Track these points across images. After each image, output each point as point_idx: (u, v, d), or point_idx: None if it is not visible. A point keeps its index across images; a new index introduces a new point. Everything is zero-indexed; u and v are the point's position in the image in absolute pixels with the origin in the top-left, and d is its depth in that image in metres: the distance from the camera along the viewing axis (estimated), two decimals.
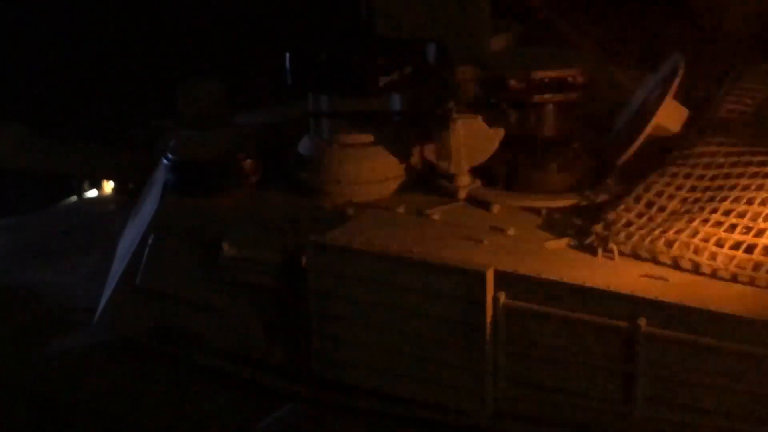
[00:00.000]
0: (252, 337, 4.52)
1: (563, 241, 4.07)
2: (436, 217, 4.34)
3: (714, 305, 3.59)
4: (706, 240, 3.81)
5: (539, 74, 4.47)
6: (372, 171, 4.59)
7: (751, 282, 3.68)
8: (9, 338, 5.26)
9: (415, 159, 4.67)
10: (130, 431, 4.68)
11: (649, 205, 4.10)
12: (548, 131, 4.57)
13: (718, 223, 3.86)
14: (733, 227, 3.83)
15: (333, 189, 4.58)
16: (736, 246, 3.77)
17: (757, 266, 3.69)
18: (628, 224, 4.01)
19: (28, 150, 6.18)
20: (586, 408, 3.85)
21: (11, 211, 7.24)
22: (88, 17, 10.03)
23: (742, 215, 3.86)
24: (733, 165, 4.13)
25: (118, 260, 5.13)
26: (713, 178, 4.11)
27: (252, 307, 4.51)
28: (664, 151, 4.35)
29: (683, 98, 4.42)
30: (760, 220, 3.83)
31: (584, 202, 4.34)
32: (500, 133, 4.52)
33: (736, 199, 3.94)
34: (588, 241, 4.01)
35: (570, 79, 4.48)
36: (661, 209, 4.06)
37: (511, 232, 4.14)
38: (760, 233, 3.78)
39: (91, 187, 7.15)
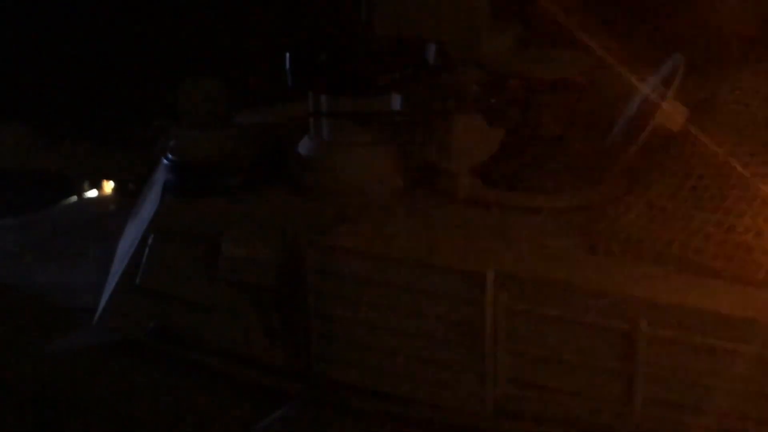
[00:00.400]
0: (252, 337, 4.52)
1: (563, 241, 4.07)
2: (436, 217, 4.33)
3: (714, 305, 3.59)
4: (706, 240, 3.81)
5: (539, 74, 4.47)
6: (372, 171, 4.59)
7: (751, 282, 3.68)
8: (9, 338, 5.26)
9: (415, 159, 4.67)
10: (130, 431, 4.68)
11: (649, 205, 4.09)
12: (548, 131, 4.56)
13: (718, 223, 3.86)
14: (733, 227, 3.83)
15: (333, 189, 4.58)
16: (736, 246, 3.77)
17: (757, 266, 3.69)
18: (629, 224, 4.01)
19: (28, 150, 6.18)
20: (586, 408, 3.85)
21: (11, 211, 7.23)
22: (88, 17, 10.02)
23: (742, 215, 3.86)
24: (734, 165, 4.13)
25: (118, 260, 5.13)
26: (713, 178, 4.11)
27: (252, 307, 4.51)
28: (664, 151, 4.35)
29: (683, 98, 4.42)
30: (760, 220, 3.83)
31: (584, 202, 4.34)
32: (500, 133, 4.52)
33: (737, 199, 3.94)
34: (588, 241, 4.01)
35: (570, 79, 4.48)
36: (661, 209, 4.06)
37: (511, 232, 4.14)
38: (760, 233, 3.78)
39: (91, 187, 7.15)
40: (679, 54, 4.51)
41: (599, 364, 3.79)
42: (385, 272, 4.04)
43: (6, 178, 7.11)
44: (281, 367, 4.48)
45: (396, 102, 4.69)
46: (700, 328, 3.59)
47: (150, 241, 4.80)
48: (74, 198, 7.19)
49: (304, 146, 4.78)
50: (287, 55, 4.60)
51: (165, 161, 4.92)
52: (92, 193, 7.18)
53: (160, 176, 5.02)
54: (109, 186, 7.06)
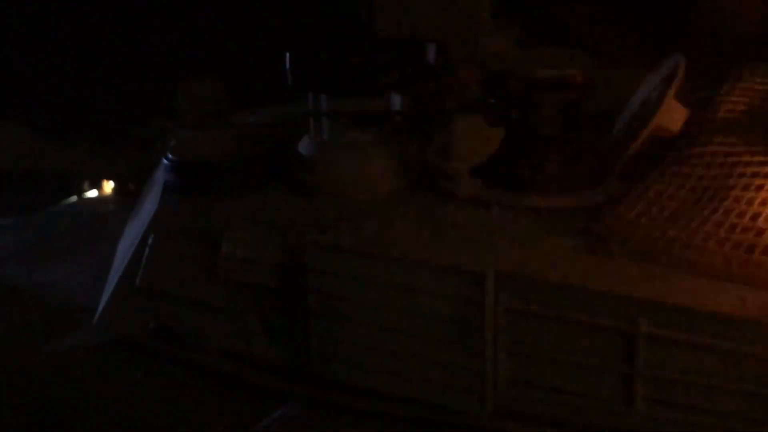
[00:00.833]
0: (252, 337, 4.52)
1: (563, 241, 4.07)
2: (436, 216, 4.33)
3: (714, 305, 3.59)
4: (706, 240, 3.81)
5: (539, 74, 4.47)
6: (372, 171, 4.59)
7: (751, 282, 3.68)
8: (9, 338, 5.26)
9: (415, 159, 4.67)
10: (129, 431, 4.68)
11: (649, 205, 4.09)
12: (548, 131, 4.56)
13: (718, 223, 3.86)
14: (733, 227, 3.83)
15: (333, 189, 4.58)
16: (736, 246, 3.77)
17: (757, 266, 3.69)
18: (629, 224, 4.01)
19: (28, 150, 6.18)
20: (586, 408, 3.85)
21: (11, 211, 7.23)
22: (88, 17, 10.02)
23: (742, 215, 3.86)
24: (733, 165, 4.13)
25: (118, 260, 5.13)
26: (713, 178, 4.11)
27: (252, 307, 4.51)
28: (664, 151, 4.35)
29: (683, 98, 4.42)
30: (760, 220, 3.83)
31: (584, 202, 4.34)
32: (500, 133, 4.52)
33: (736, 199, 3.94)
34: (588, 241, 4.01)
35: (570, 79, 4.48)
36: (661, 209, 4.06)
37: (511, 232, 4.14)
38: (760, 233, 3.78)
39: (91, 187, 7.15)
40: (679, 54, 4.51)
41: (599, 364, 3.79)
42: (386, 272, 4.04)
43: (6, 178, 7.11)
44: (281, 367, 4.48)
45: (396, 102, 4.69)
46: (700, 328, 3.59)
47: (150, 241, 4.80)
48: (74, 198, 7.20)
49: (304, 146, 4.78)
50: (287, 55, 4.60)
51: (165, 161, 4.92)
52: (92, 193, 7.18)
53: (160, 176, 5.02)
54: (109, 186, 7.06)
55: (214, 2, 9.73)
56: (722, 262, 3.75)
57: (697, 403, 3.66)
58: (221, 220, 4.62)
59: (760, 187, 3.96)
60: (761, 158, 4.11)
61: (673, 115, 4.39)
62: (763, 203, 3.89)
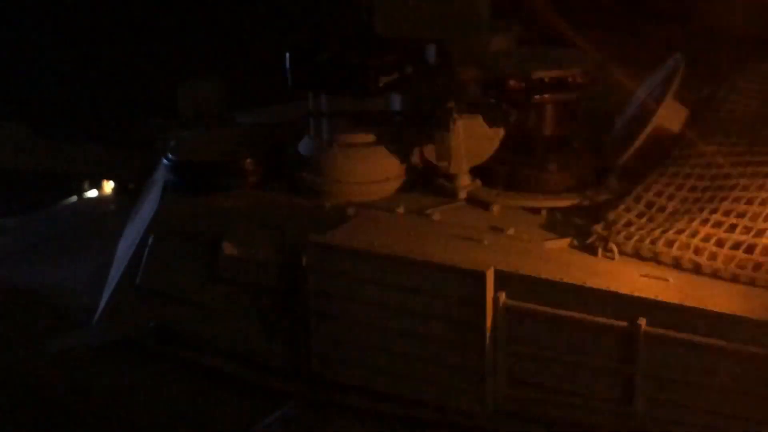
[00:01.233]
0: (252, 337, 4.52)
1: (563, 241, 4.07)
2: (436, 217, 4.33)
3: (714, 305, 3.59)
4: (706, 240, 3.81)
5: (539, 74, 4.47)
6: (372, 171, 4.59)
7: (751, 282, 3.68)
8: (9, 338, 5.26)
9: (415, 159, 4.67)
10: (130, 431, 4.68)
11: (649, 205, 4.10)
12: (548, 131, 4.56)
13: (718, 223, 3.86)
14: (733, 227, 3.83)
15: (333, 189, 4.58)
16: (736, 246, 3.77)
17: (757, 266, 3.69)
18: (629, 224, 4.01)
19: (28, 150, 6.18)
20: (586, 408, 3.85)
21: (11, 211, 7.24)
22: (88, 17, 10.03)
23: (742, 215, 3.86)
24: (733, 165, 4.13)
25: (118, 260, 5.14)
26: (713, 178, 4.11)
27: (252, 307, 4.51)
28: (664, 151, 4.35)
29: (683, 98, 4.42)
30: (760, 220, 3.83)
31: (584, 202, 4.34)
32: (500, 133, 4.52)
33: (736, 199, 3.94)
34: (588, 241, 4.01)
35: (570, 79, 4.48)
36: (661, 209, 4.06)
37: (511, 232, 4.14)
38: (760, 233, 3.78)
39: (91, 187, 7.16)
40: (679, 54, 4.51)
41: (599, 364, 3.79)
42: (385, 272, 4.03)
43: (6, 178, 7.11)
44: (281, 367, 4.47)
45: (396, 102, 4.69)
46: (700, 328, 3.59)
47: (150, 241, 4.80)
48: (74, 198, 7.20)
49: (304, 146, 4.78)
50: (287, 55, 4.60)
51: (165, 161, 4.92)
52: (92, 193, 7.18)
53: (160, 176, 5.02)
54: (109, 186, 7.06)
55: (214, 2, 9.74)
56: (722, 262, 3.75)
57: (697, 403, 3.66)
58: (221, 220, 4.62)
59: (760, 187, 3.96)
60: (761, 158, 4.12)
61: (673, 115, 4.39)
62: (763, 203, 3.89)
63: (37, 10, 10.19)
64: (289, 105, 5.23)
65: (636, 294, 3.69)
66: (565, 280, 3.79)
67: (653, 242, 3.87)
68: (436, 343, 4.02)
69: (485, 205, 4.41)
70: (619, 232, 3.96)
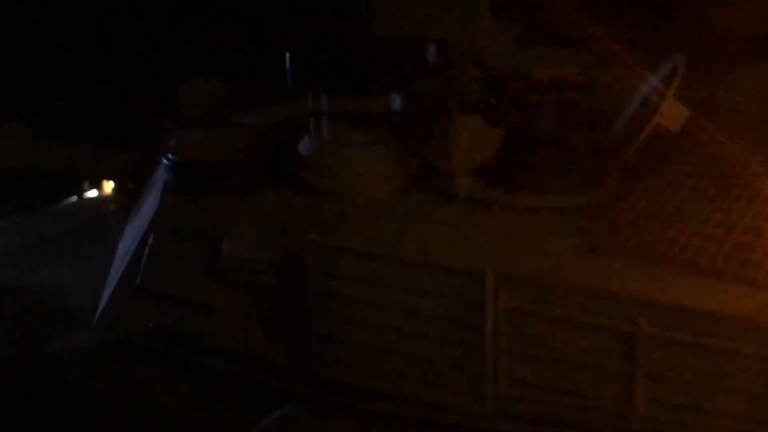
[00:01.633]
0: (252, 337, 4.52)
1: (563, 241, 4.07)
2: (436, 217, 4.33)
3: (714, 305, 3.59)
4: (706, 240, 3.81)
5: (539, 74, 4.47)
6: (372, 171, 4.59)
7: (751, 282, 3.68)
8: (9, 338, 5.26)
9: (415, 159, 4.67)
10: (130, 431, 4.68)
11: (649, 205, 4.09)
12: (548, 131, 4.56)
13: (718, 223, 3.86)
14: (733, 227, 3.83)
15: (333, 189, 4.58)
16: (736, 246, 3.77)
17: (757, 266, 3.69)
18: (629, 224, 4.01)
19: (28, 150, 6.18)
20: (586, 408, 3.85)
21: (11, 211, 7.24)
22: (88, 17, 10.03)
23: (742, 215, 3.86)
24: (734, 165, 4.13)
25: (118, 260, 5.14)
26: (713, 178, 4.11)
27: (252, 307, 4.51)
28: (664, 151, 4.35)
29: (683, 98, 4.42)
30: (760, 220, 3.83)
31: (584, 202, 4.34)
32: (500, 133, 4.52)
33: (737, 199, 3.94)
34: (588, 241, 4.01)
35: (570, 79, 4.48)
36: (661, 209, 4.06)
37: (511, 232, 4.14)
38: (760, 233, 3.77)
39: (91, 187, 7.15)
40: (679, 54, 4.51)
41: (599, 364, 3.79)
42: (385, 272, 4.04)
43: (6, 178, 7.11)
44: (281, 367, 4.48)
45: (396, 102, 4.69)
46: (700, 328, 3.59)
47: (150, 241, 4.80)
48: (74, 198, 7.20)
49: (304, 146, 4.78)
50: (287, 55, 4.60)
51: (165, 161, 4.92)
52: (92, 193, 7.18)
53: (160, 176, 5.02)
54: (109, 186, 7.06)
55: (215, 2, 9.74)
56: (722, 262, 3.75)
57: (697, 403, 3.66)
58: (221, 220, 4.62)
59: (760, 187, 3.96)
60: (762, 158, 4.12)
61: (673, 115, 4.39)
62: (763, 203, 3.89)
63: (37, 10, 10.19)
64: (289, 105, 5.22)
65: (636, 294, 3.69)
66: (566, 280, 3.79)
67: (653, 242, 3.87)
68: (436, 344, 4.02)
69: (485, 205, 4.40)
70: (619, 232, 3.96)
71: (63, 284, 5.74)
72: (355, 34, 4.98)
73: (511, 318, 3.87)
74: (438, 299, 3.96)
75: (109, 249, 5.40)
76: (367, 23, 4.91)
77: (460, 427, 4.11)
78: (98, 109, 9.38)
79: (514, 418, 4.00)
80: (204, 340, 4.67)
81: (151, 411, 4.65)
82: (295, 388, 4.46)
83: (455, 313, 3.94)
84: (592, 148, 4.62)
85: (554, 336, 3.83)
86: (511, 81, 4.49)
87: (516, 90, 4.49)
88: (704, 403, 3.65)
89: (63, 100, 9.62)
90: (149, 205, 5.07)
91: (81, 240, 6.34)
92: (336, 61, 4.57)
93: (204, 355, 4.70)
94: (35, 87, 9.79)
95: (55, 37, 10.02)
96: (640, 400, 3.75)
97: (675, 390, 3.69)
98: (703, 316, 3.59)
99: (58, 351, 5.07)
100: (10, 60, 9.94)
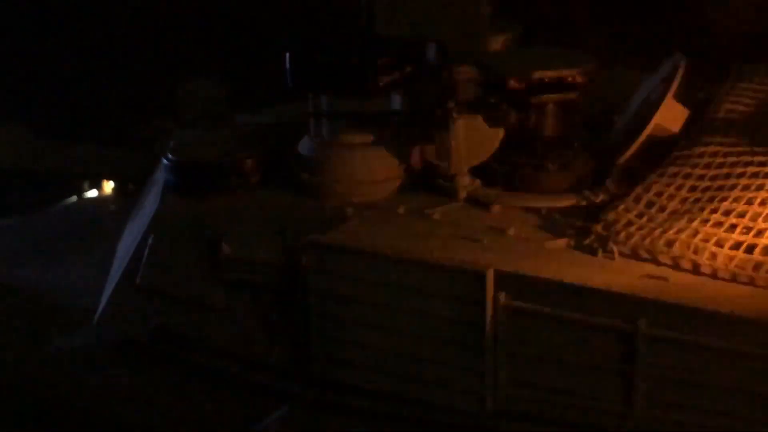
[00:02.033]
0: (252, 337, 4.52)
1: (563, 241, 4.07)
2: (436, 217, 4.33)
3: (714, 305, 3.59)
4: (706, 240, 3.81)
5: (539, 74, 4.47)
6: (372, 171, 4.59)
7: (751, 282, 3.68)
8: (9, 338, 5.26)
9: (415, 159, 4.67)
10: (129, 431, 4.68)
11: (649, 205, 4.10)
12: (548, 131, 4.56)
13: (718, 223, 3.86)
14: (733, 227, 3.83)
15: (333, 189, 4.58)
16: (736, 246, 3.77)
17: (757, 266, 3.69)
18: (629, 224, 4.01)
19: (28, 150, 6.18)
20: (586, 408, 3.85)
21: (11, 211, 7.24)
22: (88, 17, 10.02)
23: (742, 215, 3.86)
24: (733, 165, 4.13)
25: (118, 260, 5.13)
26: (713, 178, 4.11)
27: (252, 307, 4.51)
28: (664, 151, 4.35)
29: (683, 98, 4.42)
30: (760, 220, 3.83)
31: (584, 202, 4.34)
32: (500, 133, 4.52)
33: (736, 199, 3.94)
34: (588, 241, 4.01)
35: (570, 79, 4.48)
36: (661, 209, 4.06)
37: (511, 232, 4.15)
38: (760, 233, 3.78)
39: (91, 187, 7.16)
40: (679, 54, 4.51)
41: (599, 364, 3.79)
42: (385, 272, 4.03)
43: (6, 178, 7.11)
44: (281, 367, 4.47)
45: (396, 102, 4.69)
46: (700, 328, 3.59)
47: (150, 241, 4.80)
48: (74, 198, 7.20)
49: (304, 146, 4.78)
50: (287, 55, 4.60)
51: (165, 161, 4.92)
52: (92, 193, 7.18)
53: (160, 176, 5.02)
54: (109, 186, 7.06)
55: (215, 2, 9.73)
56: (722, 262, 3.74)
57: (697, 403, 3.66)
58: (221, 220, 4.61)
59: (760, 187, 3.96)
60: (761, 158, 4.12)
61: (673, 115, 4.39)
62: (763, 203, 3.89)
63: (37, 10, 10.19)
64: (289, 105, 5.22)
65: (636, 294, 3.69)
66: (565, 280, 3.79)
67: (653, 242, 3.87)
68: (436, 343, 4.01)
69: (485, 205, 4.40)
70: (619, 232, 3.96)
71: (63, 284, 5.73)
72: (355, 34, 4.98)
73: (511, 318, 3.87)
74: (438, 299, 3.96)
75: (109, 249, 5.40)
76: (367, 23, 4.91)
77: (460, 427, 4.10)
78: (98, 109, 9.38)
79: (514, 418, 4.00)
80: (204, 340, 4.67)
81: (151, 411, 4.65)
82: (295, 388, 4.46)
83: (455, 313, 3.94)
84: (592, 148, 4.62)
85: (554, 336, 3.82)
86: (511, 81, 4.49)
87: (516, 90, 4.49)
88: (704, 403, 3.65)
89: (63, 100, 9.61)
90: (149, 205, 5.07)
91: (81, 240, 6.34)
92: (336, 61, 4.57)
93: (204, 355, 4.70)
94: (35, 87, 9.79)
95: (55, 37, 10.02)
96: (639, 399, 3.75)
97: (675, 390, 3.69)
98: (703, 316, 3.58)
99: (58, 351, 5.07)
100: (10, 60, 9.93)
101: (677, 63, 4.46)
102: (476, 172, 4.55)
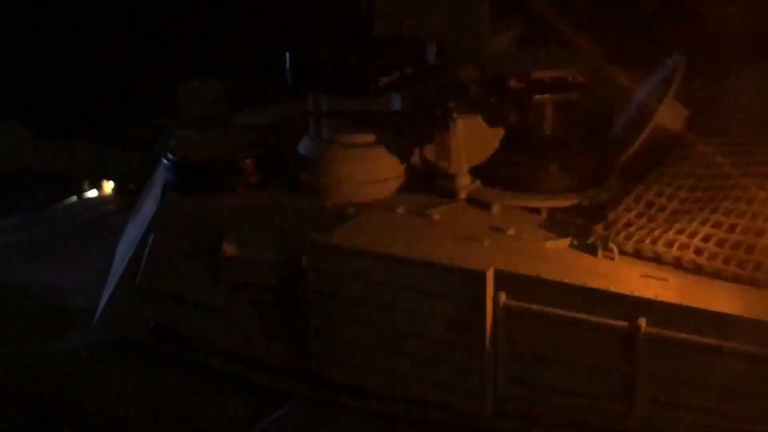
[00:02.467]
0: (252, 337, 4.52)
1: (563, 241, 4.07)
2: (436, 217, 4.33)
3: (714, 305, 3.59)
4: (706, 240, 3.82)
5: (539, 74, 4.47)
6: (372, 171, 4.59)
7: (751, 282, 3.68)
8: (9, 338, 5.26)
9: (415, 159, 4.67)
10: (129, 431, 4.68)
11: (649, 205, 4.10)
12: (548, 131, 4.56)
13: (718, 223, 3.86)
14: (733, 227, 3.83)
15: (333, 189, 4.58)
16: (736, 246, 3.77)
17: (757, 266, 3.69)
18: (629, 224, 4.01)
19: (28, 150, 6.19)
20: (586, 408, 3.85)
21: (11, 211, 7.24)
22: (88, 17, 10.03)
23: (742, 215, 3.86)
24: (733, 165, 4.13)
25: (118, 260, 5.14)
26: (713, 178, 4.11)
27: (252, 307, 4.51)
28: (664, 151, 4.35)
29: (683, 98, 4.42)
30: (760, 220, 3.83)
31: (584, 202, 4.34)
32: (500, 133, 4.52)
33: (736, 199, 3.94)
34: (588, 241, 4.01)
35: (570, 79, 4.48)
36: (661, 209, 4.06)
37: (511, 232, 4.15)
38: (760, 233, 3.77)
39: (91, 187, 7.16)
40: (679, 54, 4.51)
41: (599, 364, 3.79)
42: (385, 272, 4.03)
43: (6, 178, 7.11)
44: (281, 367, 4.48)
45: (396, 102, 4.69)
46: (700, 328, 3.59)
47: (150, 241, 4.80)
48: (74, 198, 7.20)
49: (304, 146, 4.78)
50: (287, 55, 4.60)
51: (165, 161, 4.92)
52: (92, 193, 7.19)
53: (160, 176, 5.02)
54: (109, 186, 7.06)
55: (214, 2, 9.74)
56: (722, 262, 3.75)
57: (698, 403, 3.66)
58: (221, 220, 4.62)
59: (760, 187, 3.96)
60: (761, 158, 4.12)
61: (673, 115, 4.40)
62: (763, 203, 3.89)
63: (37, 9, 10.19)
64: (289, 105, 5.22)
65: (636, 294, 3.69)
66: (565, 280, 3.79)
67: (653, 242, 3.87)
68: (436, 343, 4.01)
69: (485, 205, 4.40)
70: (619, 232, 3.96)
71: (63, 284, 5.74)
72: (355, 34, 4.99)
73: (511, 318, 3.87)
74: (438, 299, 3.96)
75: (109, 249, 5.40)
76: (367, 23, 4.91)
77: (460, 427, 4.11)
78: (98, 109, 9.38)
79: (514, 418, 4.00)
80: (204, 340, 4.67)
81: (151, 411, 4.65)
82: (295, 388, 4.46)
83: (455, 313, 3.94)
84: (592, 148, 4.62)
85: (554, 336, 3.82)
86: (511, 81, 4.49)
87: (516, 90, 4.49)
88: (704, 403, 3.65)
89: (63, 100, 9.62)
90: (149, 205, 5.07)
91: (81, 240, 6.34)
92: (336, 61, 4.57)
93: (204, 355, 4.70)
94: (35, 87, 9.79)
95: (55, 37, 10.02)
96: (640, 399, 3.75)
97: (675, 390, 3.69)
98: (703, 316, 3.58)
99: (58, 351, 5.07)
100: (10, 60, 9.94)
101: (677, 63, 4.46)
102: (476, 172, 4.55)
